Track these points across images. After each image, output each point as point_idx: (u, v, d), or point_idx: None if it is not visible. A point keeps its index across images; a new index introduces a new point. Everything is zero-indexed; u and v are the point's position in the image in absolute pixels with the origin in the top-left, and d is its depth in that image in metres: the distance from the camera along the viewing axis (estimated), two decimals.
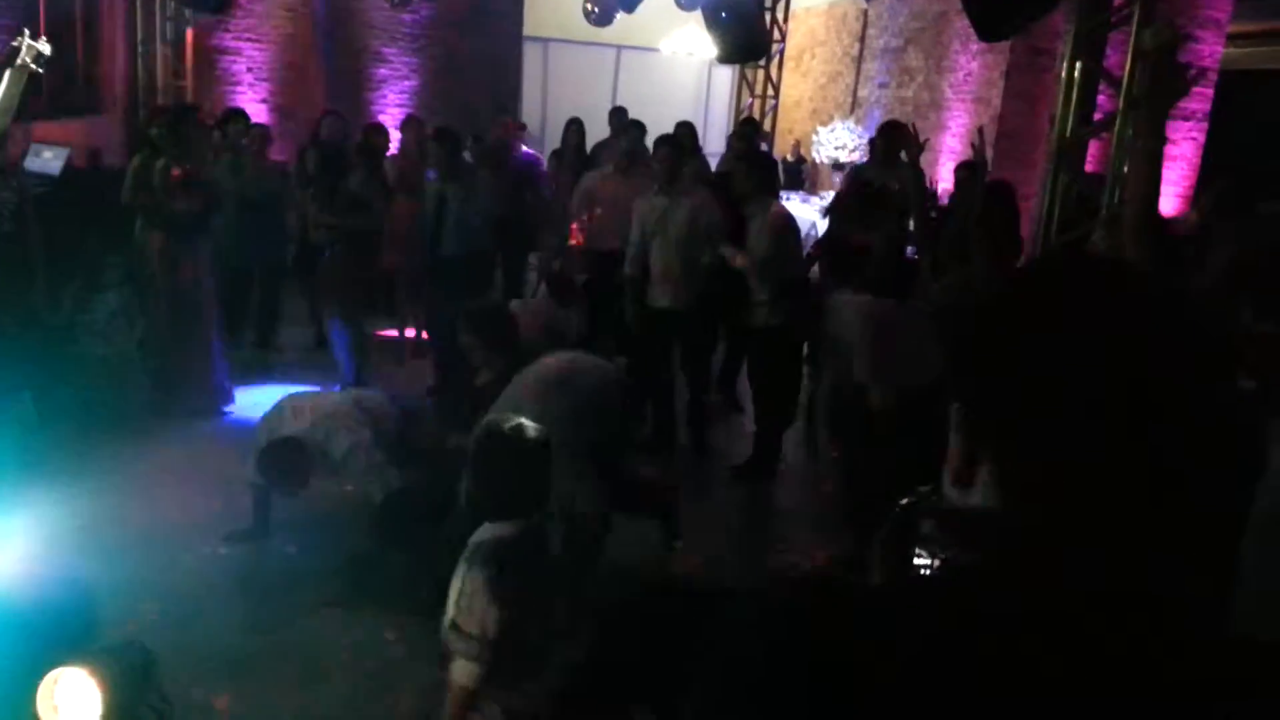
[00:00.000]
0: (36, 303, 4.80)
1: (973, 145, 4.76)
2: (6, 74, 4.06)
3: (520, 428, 2.48)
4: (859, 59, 12.19)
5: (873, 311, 4.16)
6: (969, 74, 10.25)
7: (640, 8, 9.98)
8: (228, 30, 10.68)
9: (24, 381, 4.25)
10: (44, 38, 3.91)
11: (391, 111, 11.29)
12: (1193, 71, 2.33)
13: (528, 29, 11.93)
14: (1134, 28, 5.26)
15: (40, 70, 3.92)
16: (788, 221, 5.11)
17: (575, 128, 8.01)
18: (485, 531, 2.37)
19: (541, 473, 2.50)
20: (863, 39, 12.15)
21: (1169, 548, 0.70)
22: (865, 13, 11.89)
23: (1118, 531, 0.69)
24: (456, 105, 10.65)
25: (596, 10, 9.45)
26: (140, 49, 7.72)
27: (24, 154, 6.29)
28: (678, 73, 12.76)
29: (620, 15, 9.72)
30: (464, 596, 2.27)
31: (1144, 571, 0.70)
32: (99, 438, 4.88)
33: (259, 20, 10.80)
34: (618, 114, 8.54)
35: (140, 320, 4.87)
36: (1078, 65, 5.49)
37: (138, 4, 7.71)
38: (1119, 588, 0.70)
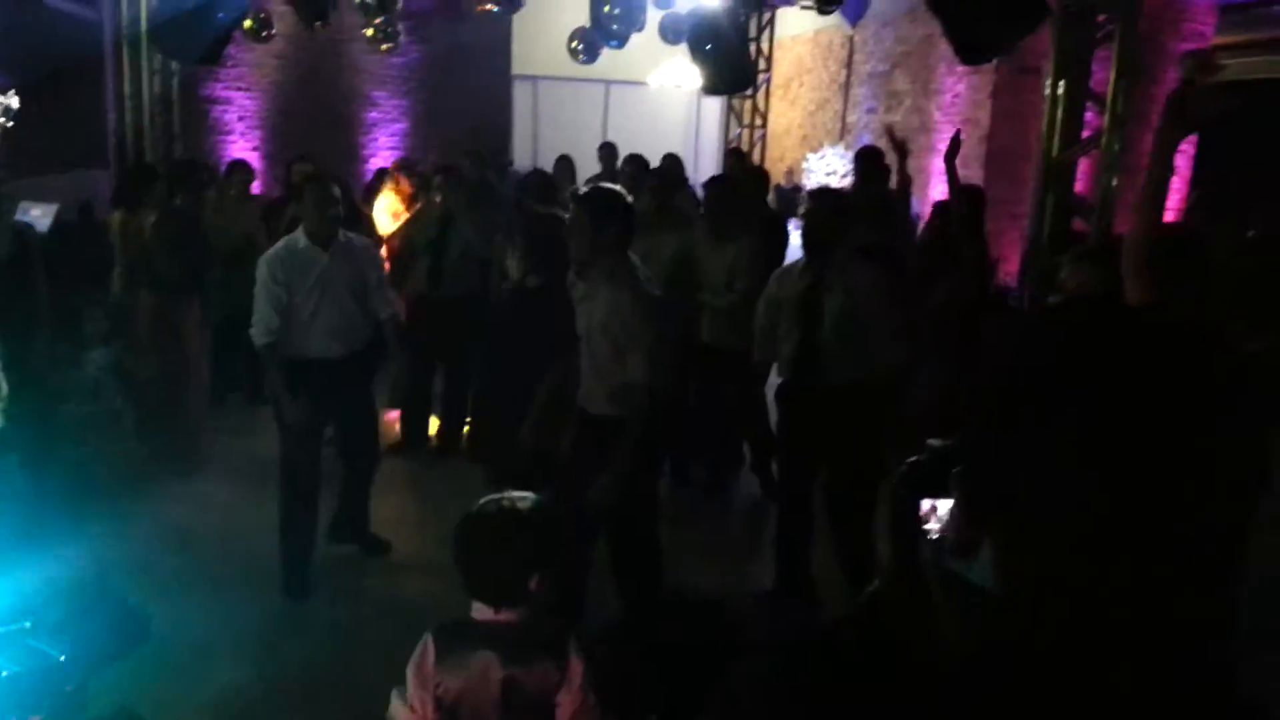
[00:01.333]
0: (38, 361, 4.71)
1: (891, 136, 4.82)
2: None
3: (510, 505, 2.09)
4: (846, 85, 12.23)
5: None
6: (956, 95, 10.27)
7: (628, 42, 10.05)
8: (218, 80, 10.77)
9: (13, 444, 4.20)
10: (12, 92, 3.87)
11: (383, 154, 11.34)
12: (1220, 105, 2.24)
13: (516, 67, 12.00)
14: (1117, 45, 5.27)
15: (8, 124, 3.88)
16: None
17: (565, 164, 8.03)
18: (474, 609, 2.11)
19: (530, 557, 2.06)
20: (849, 65, 12.20)
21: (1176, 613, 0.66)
22: (851, 39, 11.95)
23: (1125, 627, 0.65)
24: (448, 145, 10.69)
25: (583, 48, 9.51)
26: (128, 102, 7.75)
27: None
28: (667, 105, 12.82)
29: (608, 50, 9.78)
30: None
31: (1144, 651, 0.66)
32: (94, 500, 4.79)
33: (249, 69, 10.89)
34: (606, 149, 8.57)
35: (126, 378, 4.84)
36: (1061, 84, 5.50)
37: (124, 56, 7.74)
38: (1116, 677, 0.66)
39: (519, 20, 11.30)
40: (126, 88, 7.77)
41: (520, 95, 12.38)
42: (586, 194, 3.64)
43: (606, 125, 12.53)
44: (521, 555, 2.05)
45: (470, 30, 10.64)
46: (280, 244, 4.19)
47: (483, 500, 2.14)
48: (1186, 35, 9.02)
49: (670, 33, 9.42)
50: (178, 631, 3.87)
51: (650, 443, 3.64)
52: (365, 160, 11.34)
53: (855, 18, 10.29)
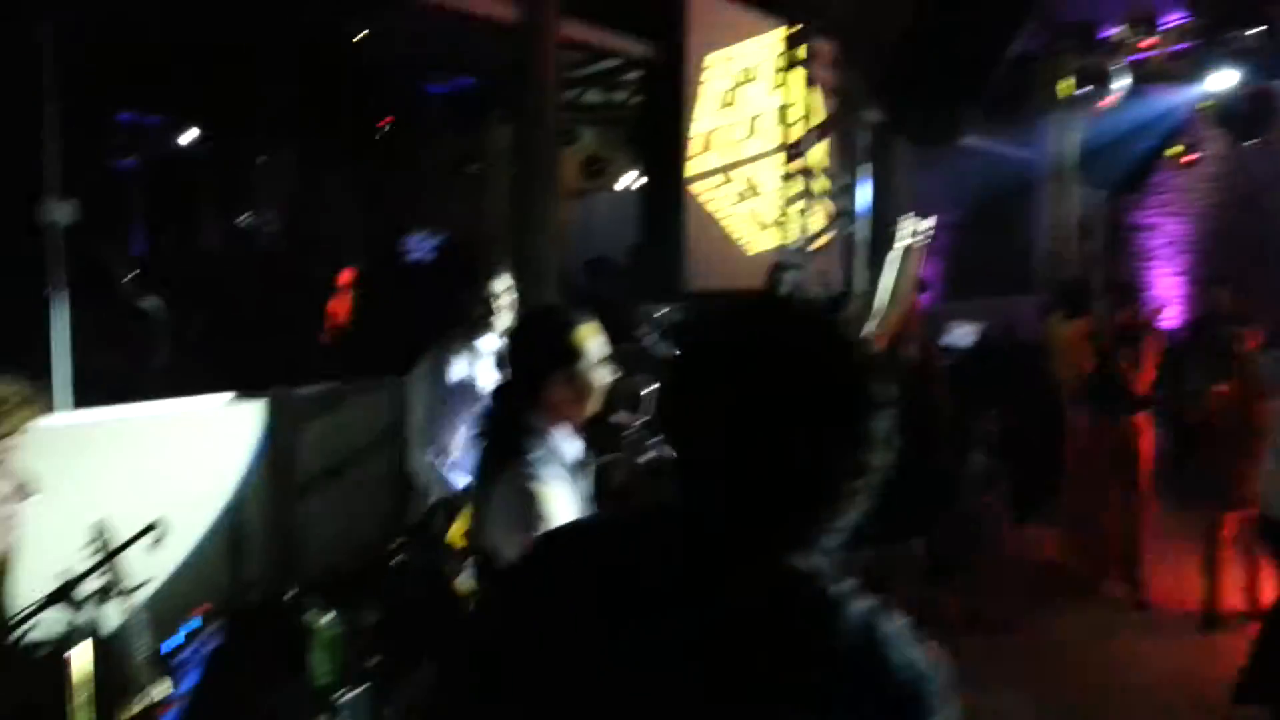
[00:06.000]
0: (938, 461, 5.46)
1: None
2: (895, 256, 3.95)
3: None
4: None
5: None
6: None
7: None
8: (1146, 207, 10.81)
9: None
10: (926, 215, 3.87)
11: None
12: None
13: None
14: None
15: (922, 245, 3.83)
16: None
17: None
18: None
19: None
20: None
21: None
22: None
23: None
24: None
25: None
26: (1052, 231, 8.45)
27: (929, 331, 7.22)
28: None
29: None
30: None
31: None
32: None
33: (1177, 194, 10.70)
34: None
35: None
36: None
37: (1046, 188, 8.44)
38: None
39: None
40: (1051, 218, 8.46)
41: None
42: None
43: None
44: None
45: None
46: None
47: None
48: None
49: None
50: None
51: None
52: None
53: None
